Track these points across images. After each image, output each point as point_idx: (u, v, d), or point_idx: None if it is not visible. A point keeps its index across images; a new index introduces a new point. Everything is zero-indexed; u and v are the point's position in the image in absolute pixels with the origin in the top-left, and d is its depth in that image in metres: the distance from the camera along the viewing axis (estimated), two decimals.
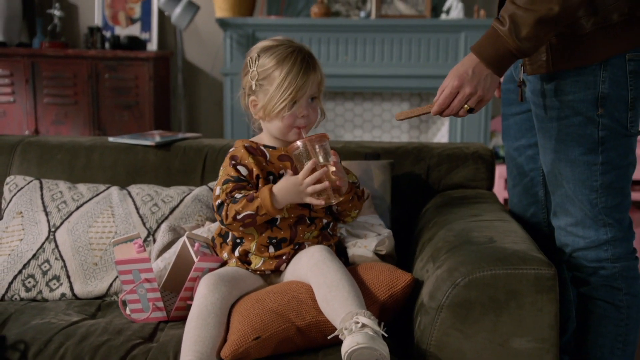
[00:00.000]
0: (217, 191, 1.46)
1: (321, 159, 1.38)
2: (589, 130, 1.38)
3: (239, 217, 1.41)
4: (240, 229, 1.45)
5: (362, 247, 1.57)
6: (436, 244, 1.44)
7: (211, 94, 3.73)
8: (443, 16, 3.41)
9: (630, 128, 1.40)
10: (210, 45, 3.67)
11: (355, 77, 3.42)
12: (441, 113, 1.40)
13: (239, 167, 1.46)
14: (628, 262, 1.48)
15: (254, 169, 1.46)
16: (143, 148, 1.92)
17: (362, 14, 3.43)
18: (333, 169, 1.38)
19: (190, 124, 3.76)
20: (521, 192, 1.73)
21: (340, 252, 1.59)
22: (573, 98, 1.38)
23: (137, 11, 3.59)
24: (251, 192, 1.43)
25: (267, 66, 1.45)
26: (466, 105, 1.37)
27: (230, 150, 1.53)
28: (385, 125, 3.75)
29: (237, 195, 1.42)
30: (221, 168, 1.50)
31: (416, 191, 1.88)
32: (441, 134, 3.62)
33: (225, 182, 1.45)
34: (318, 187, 1.36)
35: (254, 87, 1.47)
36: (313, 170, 1.37)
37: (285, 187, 1.39)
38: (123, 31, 3.59)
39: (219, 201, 1.45)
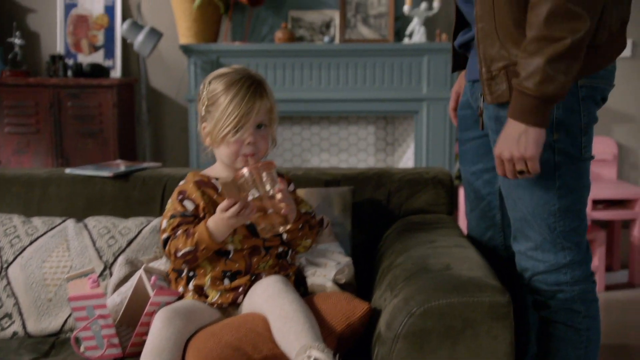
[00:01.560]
0: (164, 224, 1.45)
1: (268, 187, 1.37)
2: (545, 155, 1.40)
3: (179, 254, 1.41)
4: (183, 266, 1.44)
5: (321, 276, 1.56)
6: (394, 272, 1.43)
7: (176, 120, 3.71)
8: (406, 40, 3.45)
9: (584, 152, 1.42)
10: (175, 72, 3.66)
11: (321, 101, 3.44)
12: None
13: (185, 202, 1.46)
14: (586, 284, 1.49)
15: (201, 204, 1.46)
16: (101, 179, 1.89)
17: (326, 38, 3.45)
18: (279, 196, 1.37)
19: (155, 150, 3.73)
20: (478, 216, 1.74)
21: (299, 281, 1.58)
22: None
23: (100, 38, 3.56)
24: (189, 227, 1.42)
25: (215, 91, 1.47)
26: (517, 170, 1.35)
27: (180, 183, 1.52)
28: (352, 149, 3.77)
29: (178, 232, 1.42)
30: (169, 201, 1.50)
31: (377, 217, 1.88)
32: (407, 156, 3.64)
33: (172, 216, 1.45)
34: (238, 219, 1.36)
35: (203, 112, 1.49)
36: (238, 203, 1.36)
37: (214, 221, 1.39)
38: (86, 59, 3.56)
39: (165, 235, 1.44)
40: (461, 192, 3.44)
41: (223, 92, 1.45)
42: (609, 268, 3.43)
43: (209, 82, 1.49)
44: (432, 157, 3.48)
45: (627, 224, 3.46)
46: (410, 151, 3.61)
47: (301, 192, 1.79)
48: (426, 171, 1.95)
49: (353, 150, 3.78)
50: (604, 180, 3.43)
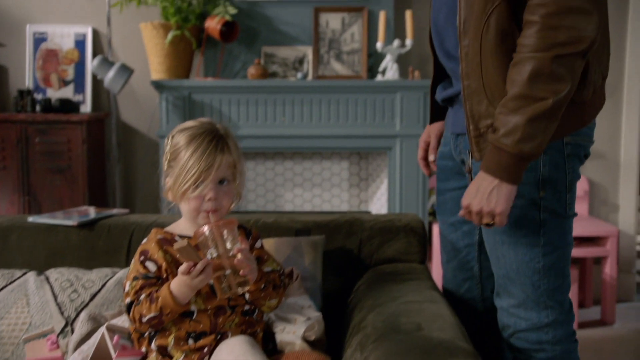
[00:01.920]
0: (127, 287, 1.41)
1: (228, 246, 1.34)
2: (531, 212, 1.39)
3: (144, 319, 1.36)
4: (149, 329, 1.39)
5: (290, 333, 1.52)
6: (365, 330, 1.40)
7: (148, 154, 3.66)
8: (379, 77, 3.45)
9: (568, 210, 1.42)
10: (146, 106, 3.62)
11: (294, 137, 3.42)
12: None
13: (147, 264, 1.41)
14: (568, 344, 1.47)
15: (163, 264, 1.41)
16: (65, 228, 1.84)
17: (299, 75, 3.45)
18: (240, 257, 1.34)
19: (126, 187, 3.67)
20: (456, 267, 1.72)
21: (268, 337, 1.54)
22: None
23: (70, 73, 3.51)
24: (153, 290, 1.38)
25: (177, 146, 1.44)
26: (483, 223, 1.35)
27: (143, 241, 1.48)
28: (325, 184, 3.75)
29: (141, 297, 1.37)
30: (132, 261, 1.45)
31: (348, 267, 1.85)
32: (381, 192, 3.63)
33: (135, 279, 1.40)
34: (201, 280, 1.32)
35: (166, 167, 1.46)
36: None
37: (177, 284, 1.35)
38: (55, 93, 3.50)
39: (128, 300, 1.39)
40: (435, 229, 3.44)
41: (184, 146, 1.42)
42: (581, 305, 3.44)
43: (172, 136, 1.47)
44: (406, 192, 3.48)
45: (599, 261, 3.48)
46: (384, 186, 3.60)
47: (271, 242, 1.76)
48: (398, 218, 1.93)
49: (326, 186, 3.76)
50: (575, 217, 3.44)
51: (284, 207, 3.75)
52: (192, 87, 3.34)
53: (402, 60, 3.58)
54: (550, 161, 1.37)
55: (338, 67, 3.57)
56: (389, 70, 3.42)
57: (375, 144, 3.45)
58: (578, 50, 1.25)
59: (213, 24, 3.33)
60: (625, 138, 3.58)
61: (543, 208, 1.39)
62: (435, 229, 3.43)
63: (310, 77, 3.53)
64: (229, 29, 3.42)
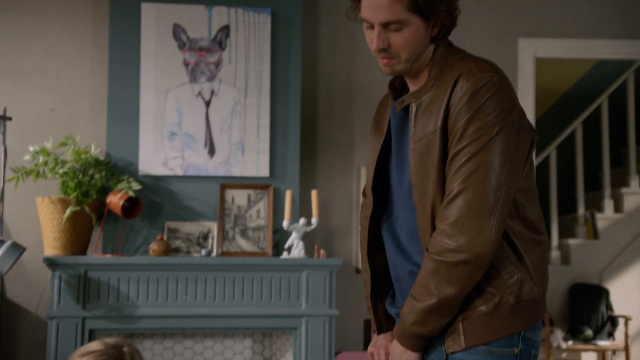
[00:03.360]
0: None
1: None
2: None
3: None
4: None
5: None
6: None
7: (33, 336, 3.36)
8: (285, 254, 3.43)
9: None
10: (36, 283, 3.37)
11: (197, 317, 3.26)
12: None
13: None
14: None
15: None
16: None
17: (203, 251, 3.36)
18: None
19: None
20: None
21: None
22: None
23: None
24: None
25: None
26: None
27: None
28: None
29: None
30: None
31: None
32: None
33: None
34: None
35: None
36: None
37: None
38: None
39: None
40: None
41: None
42: None
43: None
44: None
45: None
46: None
47: None
48: None
49: None
50: None
51: None
52: (88, 264, 3.17)
53: (307, 238, 3.60)
54: None
55: (243, 244, 3.52)
56: (295, 248, 3.41)
57: (280, 324, 3.36)
58: (458, 260, 1.35)
59: (115, 200, 3.25)
60: None
61: None
62: None
63: (214, 253, 3.45)
64: (131, 205, 3.35)
